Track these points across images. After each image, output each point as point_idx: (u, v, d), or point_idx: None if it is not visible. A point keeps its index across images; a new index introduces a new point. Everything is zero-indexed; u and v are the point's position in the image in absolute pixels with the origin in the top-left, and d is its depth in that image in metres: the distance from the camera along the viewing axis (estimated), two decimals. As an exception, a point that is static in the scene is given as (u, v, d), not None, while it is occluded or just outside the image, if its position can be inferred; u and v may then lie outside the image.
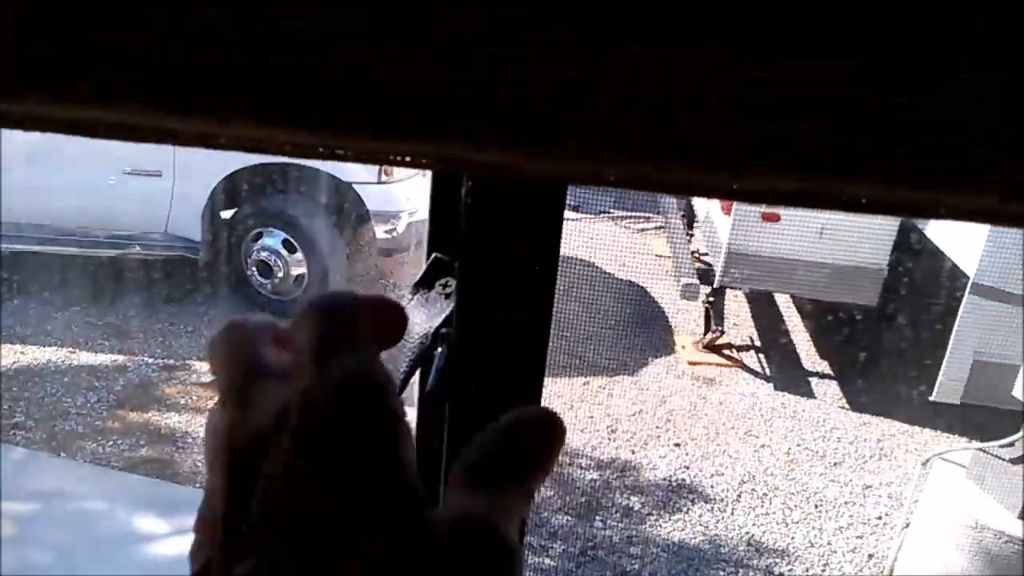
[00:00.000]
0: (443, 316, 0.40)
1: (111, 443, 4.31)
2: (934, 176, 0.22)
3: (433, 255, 0.40)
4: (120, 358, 5.01)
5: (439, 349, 0.40)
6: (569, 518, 4.14)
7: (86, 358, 4.96)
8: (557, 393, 5.00)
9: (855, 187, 0.23)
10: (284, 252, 5.33)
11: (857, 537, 4.18)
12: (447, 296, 0.40)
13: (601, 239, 6.70)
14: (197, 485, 4.09)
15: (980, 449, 3.72)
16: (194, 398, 4.72)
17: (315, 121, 0.25)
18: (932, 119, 0.22)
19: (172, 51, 0.23)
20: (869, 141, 0.22)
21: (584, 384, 5.14)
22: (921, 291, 5.27)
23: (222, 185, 5.33)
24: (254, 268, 5.39)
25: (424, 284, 0.39)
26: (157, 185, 5.24)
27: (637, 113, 0.23)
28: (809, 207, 0.24)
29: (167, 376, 4.90)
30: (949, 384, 4.33)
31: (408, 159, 0.27)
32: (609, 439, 4.72)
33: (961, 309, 4.26)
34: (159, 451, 4.29)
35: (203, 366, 5.01)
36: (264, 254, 5.35)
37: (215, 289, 5.59)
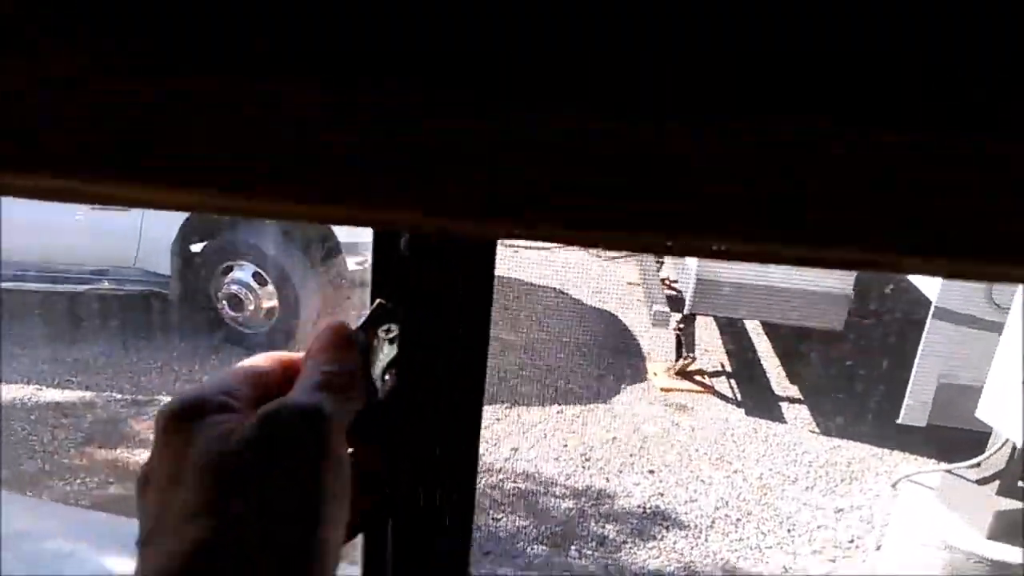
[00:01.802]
0: (386, 361, 0.41)
1: (79, 481, 4.24)
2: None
3: (377, 301, 0.41)
4: (88, 394, 4.94)
5: (379, 394, 0.42)
6: (544, 547, 4.12)
7: (53, 395, 4.89)
8: (531, 422, 5.01)
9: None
10: (255, 285, 5.31)
11: (830, 561, 4.20)
12: (390, 342, 0.41)
13: (573, 268, 6.75)
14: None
15: (947, 470, 3.78)
16: (164, 434, 4.66)
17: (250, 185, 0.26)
18: None
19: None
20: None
21: (558, 412, 5.15)
22: (886, 316, 5.36)
23: (191, 219, 5.31)
24: (224, 301, 5.36)
25: (366, 327, 0.41)
26: (125, 220, 5.21)
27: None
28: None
29: (136, 412, 4.84)
30: (915, 407, 4.39)
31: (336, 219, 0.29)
32: (583, 467, 4.72)
33: (925, 333, 4.33)
34: (128, 488, 4.23)
35: (173, 401, 4.95)
36: (234, 287, 5.32)
37: (185, 323, 5.55)
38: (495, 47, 0.23)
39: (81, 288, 5.38)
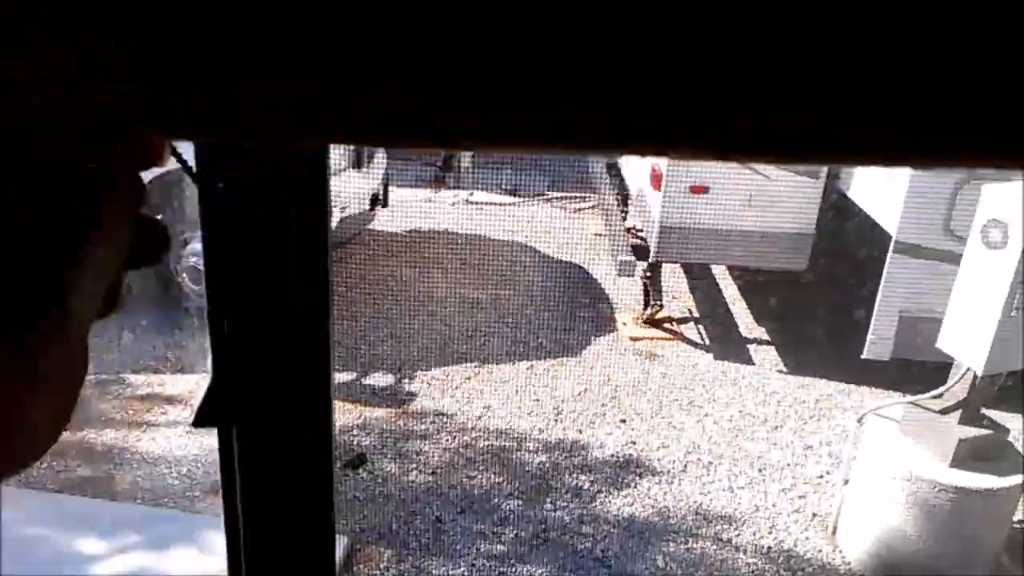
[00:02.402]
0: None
1: (44, 464, 4.18)
2: None
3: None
4: (50, 377, 4.86)
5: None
6: (519, 503, 4.15)
7: (14, 379, 4.80)
8: (502, 379, 5.01)
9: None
10: (214, 256, 5.23)
11: (800, 497, 4.27)
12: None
13: (538, 222, 6.70)
14: (137, 501, 4.01)
15: (911, 403, 3.83)
16: (130, 412, 4.61)
17: None
18: None
19: None
20: None
21: (529, 368, 5.15)
22: (848, 252, 5.39)
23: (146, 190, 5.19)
24: (184, 275, 5.27)
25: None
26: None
27: None
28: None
29: (101, 392, 4.77)
30: (878, 342, 4.44)
31: None
32: (556, 421, 4.74)
33: (885, 268, 4.36)
34: (96, 469, 4.18)
35: (138, 379, 4.90)
36: (194, 259, 5.23)
37: (145, 298, 5.46)
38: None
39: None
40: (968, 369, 3.60)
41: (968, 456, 3.63)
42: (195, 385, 4.85)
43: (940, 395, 3.74)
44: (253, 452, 0.41)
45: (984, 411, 3.80)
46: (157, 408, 4.64)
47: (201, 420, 0.40)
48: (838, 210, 5.09)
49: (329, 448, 0.41)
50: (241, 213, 0.38)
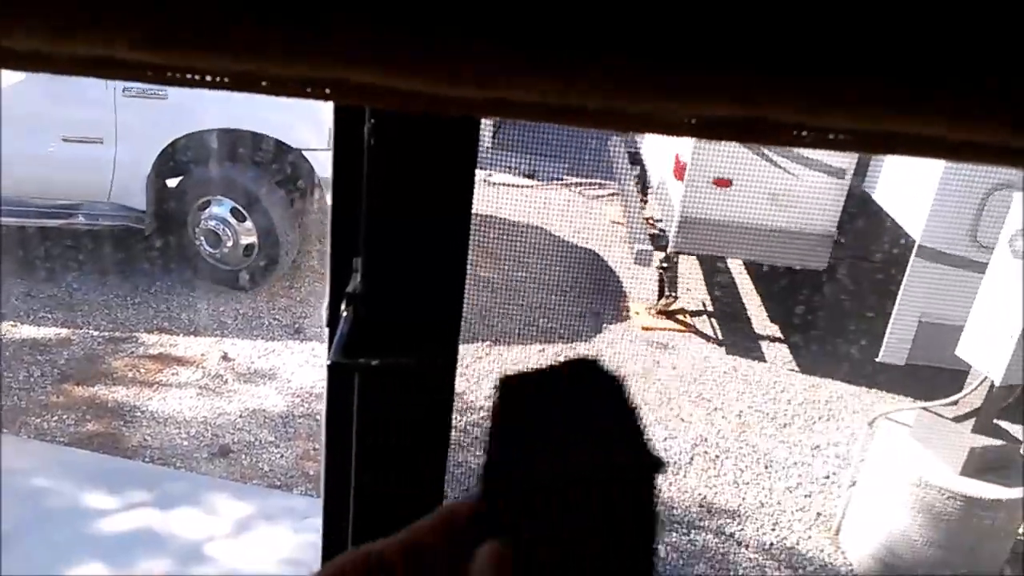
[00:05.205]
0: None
1: (56, 418, 4.21)
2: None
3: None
4: (64, 331, 4.88)
5: (344, 312, 0.37)
6: (524, 484, 4.15)
7: (28, 331, 4.82)
8: (512, 361, 5.00)
9: None
10: (233, 221, 5.22)
11: (806, 496, 4.27)
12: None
13: (555, 206, 6.68)
14: (145, 459, 4.03)
15: (924, 408, 3.81)
16: (142, 371, 4.63)
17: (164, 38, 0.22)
18: None
19: None
20: None
21: (540, 351, 5.15)
22: (869, 255, 5.36)
23: (166, 152, 5.19)
24: (202, 238, 5.28)
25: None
26: (98, 152, 5.08)
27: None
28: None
29: (113, 349, 4.79)
30: (895, 345, 4.41)
31: (289, 85, 0.24)
32: (564, 405, 4.73)
33: (907, 272, 4.33)
34: (106, 425, 4.20)
35: (151, 338, 4.91)
36: (212, 223, 5.23)
37: (162, 259, 5.47)
38: None
39: (55, 223, 5.26)
40: (985, 378, 3.58)
41: (979, 465, 3.62)
42: (207, 348, 4.86)
43: (955, 403, 3.72)
44: (375, 407, 0.39)
45: (997, 422, 3.78)
46: (168, 369, 4.66)
47: (337, 365, 0.38)
48: (861, 211, 5.05)
49: (450, 406, 0.39)
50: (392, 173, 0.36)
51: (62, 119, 5.00)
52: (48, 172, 5.12)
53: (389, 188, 0.35)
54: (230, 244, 5.25)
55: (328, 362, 0.38)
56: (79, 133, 5.04)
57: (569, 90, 0.23)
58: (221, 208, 5.23)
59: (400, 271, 0.37)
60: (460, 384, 4.77)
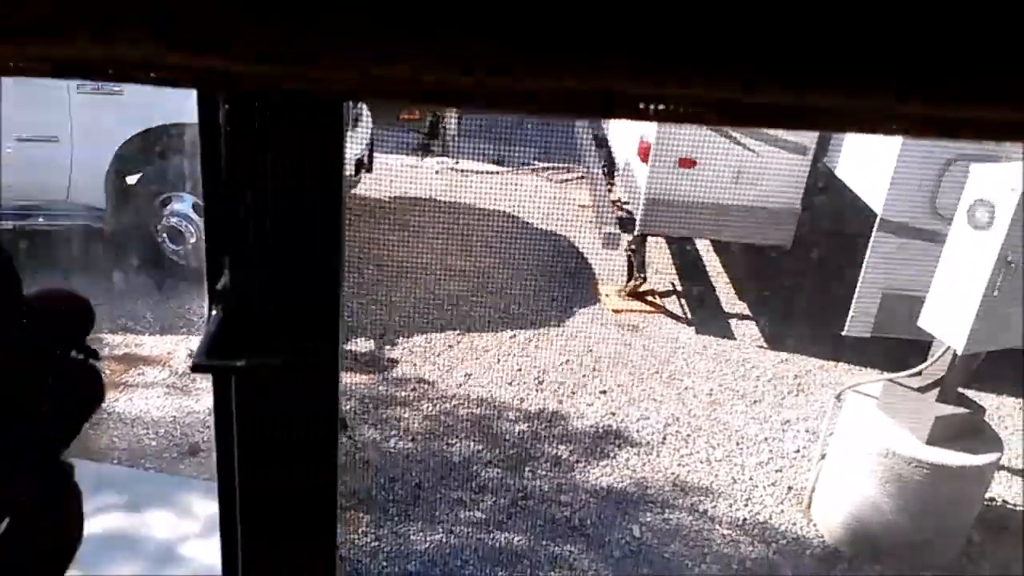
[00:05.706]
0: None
1: (20, 423, 4.14)
2: None
3: None
4: (26, 334, 4.79)
5: (212, 311, 0.36)
6: (499, 471, 4.16)
7: (-11, 336, 4.73)
8: (484, 347, 5.00)
9: None
10: (195, 216, 5.15)
11: (777, 471, 4.31)
12: None
13: (524, 192, 6.66)
14: (113, 462, 3.98)
15: (890, 380, 3.86)
16: (107, 372, 4.56)
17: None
18: None
19: None
20: None
21: (511, 337, 5.14)
22: (832, 230, 5.40)
23: (124, 149, 5.10)
24: (164, 235, 5.20)
25: None
26: (55, 151, 4.98)
27: None
28: None
29: (78, 351, 4.71)
30: (860, 318, 4.46)
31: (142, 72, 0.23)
32: (537, 390, 4.74)
33: (870, 245, 4.37)
34: (72, 428, 4.14)
35: (116, 339, 4.84)
36: (174, 219, 5.16)
37: (124, 259, 5.38)
38: None
39: (11, 224, 5.16)
40: (948, 348, 3.63)
41: (944, 434, 3.67)
42: (173, 346, 4.80)
43: (919, 373, 3.77)
44: (252, 408, 0.38)
45: (961, 390, 3.84)
46: (135, 369, 4.60)
47: (197, 367, 0.38)
48: (824, 187, 5.09)
49: (335, 404, 0.38)
50: (252, 160, 0.35)
51: (16, 119, 4.89)
52: (5, 173, 5.02)
53: (250, 176, 0.34)
54: (192, 240, 5.18)
55: (189, 364, 0.37)
56: (34, 133, 4.94)
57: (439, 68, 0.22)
58: (182, 204, 5.16)
59: (267, 265, 0.36)
60: (431, 372, 4.73)
